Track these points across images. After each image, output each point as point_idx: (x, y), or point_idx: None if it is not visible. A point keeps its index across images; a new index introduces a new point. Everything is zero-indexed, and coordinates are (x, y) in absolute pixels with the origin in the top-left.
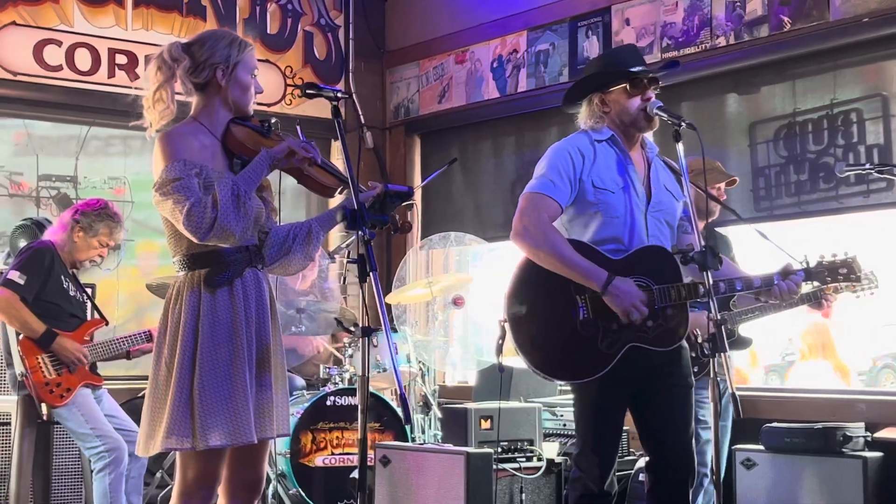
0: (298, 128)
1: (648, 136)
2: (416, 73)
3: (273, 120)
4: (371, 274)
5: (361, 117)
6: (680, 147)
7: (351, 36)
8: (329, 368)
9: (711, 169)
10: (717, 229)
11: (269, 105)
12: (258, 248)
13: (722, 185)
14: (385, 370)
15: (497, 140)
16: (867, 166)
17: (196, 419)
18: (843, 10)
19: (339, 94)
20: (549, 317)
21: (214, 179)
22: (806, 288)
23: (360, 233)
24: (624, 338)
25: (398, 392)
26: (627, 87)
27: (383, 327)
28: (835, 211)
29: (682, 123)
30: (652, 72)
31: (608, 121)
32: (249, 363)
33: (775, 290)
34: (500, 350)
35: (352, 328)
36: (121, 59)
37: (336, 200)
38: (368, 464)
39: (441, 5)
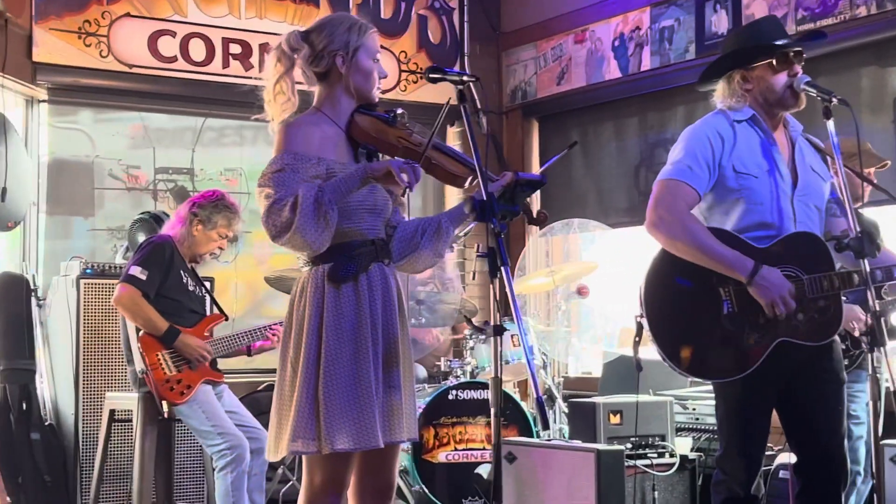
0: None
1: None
2: (533, 54)
3: (400, 110)
4: (503, 268)
5: (478, 101)
6: (831, 124)
7: (466, 18)
8: (451, 361)
9: (862, 152)
10: (863, 212)
11: (383, 92)
12: (385, 242)
13: (872, 170)
14: (508, 362)
15: (619, 122)
16: None
17: (321, 422)
18: None
19: (466, 78)
20: (690, 312)
21: (337, 171)
22: None
23: (490, 225)
24: (773, 332)
25: (535, 397)
26: (774, 62)
27: (518, 326)
28: None
29: (834, 99)
30: (798, 46)
31: (750, 99)
32: (376, 363)
33: None
34: (637, 348)
35: (480, 324)
36: (235, 49)
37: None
38: (491, 460)
39: None
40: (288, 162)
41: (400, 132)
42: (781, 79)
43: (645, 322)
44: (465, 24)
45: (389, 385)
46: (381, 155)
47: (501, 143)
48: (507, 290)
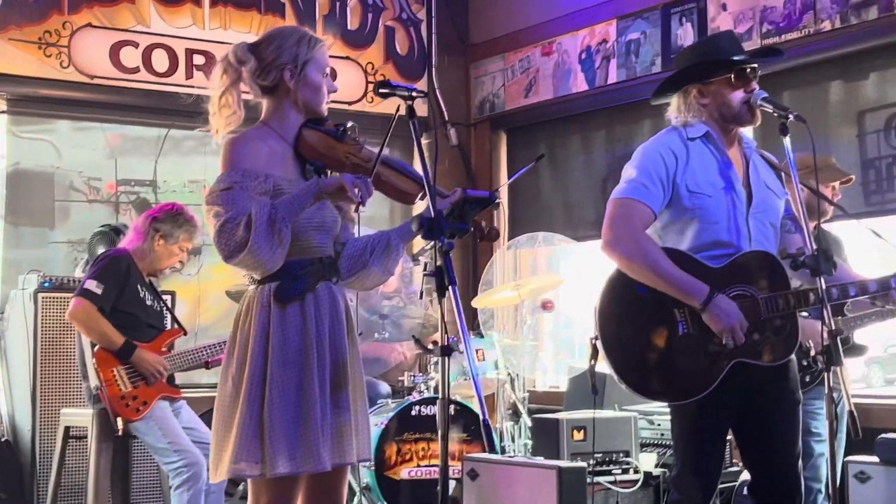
0: (351, 124)
1: (748, 130)
2: (501, 66)
3: (350, 124)
4: (450, 288)
5: (445, 113)
6: (787, 141)
7: (434, 30)
8: (414, 376)
9: (826, 166)
10: (826, 227)
11: (349, 104)
12: (333, 260)
13: (836, 184)
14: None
15: (587, 135)
16: None
17: (266, 444)
18: None
19: (415, 93)
20: (645, 333)
21: (284, 188)
22: None
23: (437, 243)
24: (729, 353)
25: (481, 419)
26: (731, 77)
27: (464, 346)
28: None
29: (790, 116)
30: (757, 62)
31: (706, 114)
32: (322, 384)
33: (893, 295)
34: (592, 371)
35: (429, 346)
36: (198, 60)
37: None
38: (456, 476)
39: None
40: (236, 179)
41: (349, 147)
42: (738, 94)
43: (599, 343)
44: (433, 36)
45: (338, 406)
46: (329, 171)
47: (469, 155)
48: (455, 309)
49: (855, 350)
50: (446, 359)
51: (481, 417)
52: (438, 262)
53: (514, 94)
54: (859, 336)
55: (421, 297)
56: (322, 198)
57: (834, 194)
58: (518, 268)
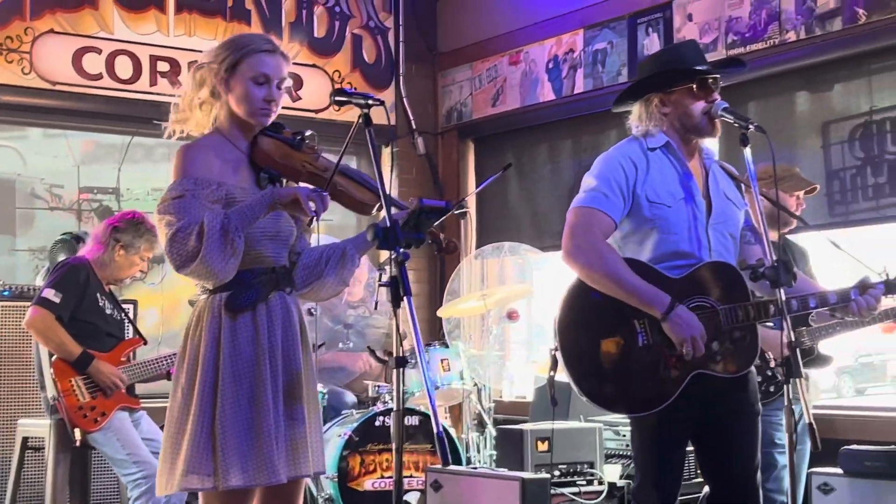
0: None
1: (711, 141)
2: (468, 75)
3: (309, 132)
4: (406, 298)
5: (413, 122)
6: (748, 152)
7: (401, 38)
8: (379, 387)
9: (790, 176)
10: (791, 238)
11: (316, 112)
12: (287, 270)
13: (801, 194)
14: (436, 388)
15: (554, 144)
16: None
17: (218, 457)
18: None
19: (371, 101)
20: (604, 343)
21: (237, 196)
22: (887, 302)
23: (392, 253)
24: (689, 364)
25: (435, 433)
26: (694, 87)
27: (419, 359)
28: None
29: (750, 126)
30: (719, 73)
31: (667, 124)
32: (276, 395)
33: (853, 307)
34: (551, 382)
35: (385, 357)
36: (163, 67)
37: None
38: (419, 487)
39: (494, 4)
40: (188, 187)
41: (305, 156)
42: (700, 105)
43: (559, 354)
44: (401, 44)
45: (292, 418)
46: (284, 181)
47: (437, 164)
48: (410, 320)
49: (820, 361)
50: (400, 371)
51: (435, 431)
52: (394, 273)
53: (481, 103)
54: (826, 346)
55: (376, 308)
56: (276, 208)
57: (798, 203)
58: (485, 277)
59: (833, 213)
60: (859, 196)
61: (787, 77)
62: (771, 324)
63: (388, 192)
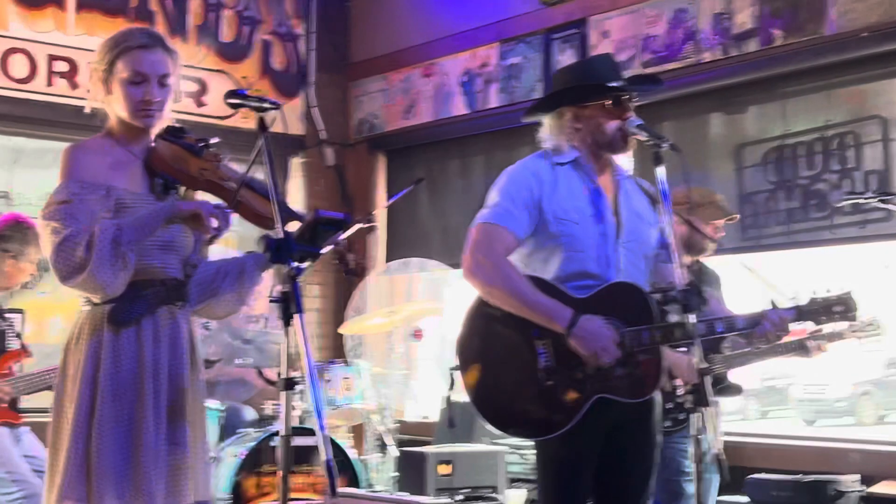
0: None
1: (626, 159)
2: (381, 86)
3: (213, 140)
4: (298, 316)
5: (322, 133)
6: (661, 170)
7: (313, 46)
8: (278, 405)
9: (710, 203)
10: (704, 261)
11: (222, 118)
12: (180, 283)
13: (721, 222)
14: (337, 407)
15: (466, 159)
16: (868, 195)
17: (92, 481)
18: (840, 25)
19: (267, 105)
20: (504, 365)
21: (128, 201)
22: (796, 327)
23: (285, 267)
24: (590, 388)
25: (323, 460)
26: (608, 104)
27: (310, 380)
28: (828, 242)
29: (664, 144)
30: (636, 90)
31: (578, 138)
32: (158, 417)
33: (759, 331)
34: (449, 403)
35: (273, 379)
36: (61, 67)
37: None
38: None
39: (408, 14)
40: (74, 191)
41: (205, 164)
42: (614, 122)
43: (458, 374)
44: (312, 52)
45: (174, 442)
46: (181, 188)
47: (346, 176)
48: (301, 338)
49: (729, 390)
50: (288, 394)
51: (323, 458)
52: (285, 288)
53: (393, 115)
54: (735, 375)
55: (266, 325)
56: (175, 222)
57: (717, 231)
58: (393, 294)
59: (745, 236)
60: (772, 220)
61: (702, 98)
62: (685, 348)
63: (285, 203)
